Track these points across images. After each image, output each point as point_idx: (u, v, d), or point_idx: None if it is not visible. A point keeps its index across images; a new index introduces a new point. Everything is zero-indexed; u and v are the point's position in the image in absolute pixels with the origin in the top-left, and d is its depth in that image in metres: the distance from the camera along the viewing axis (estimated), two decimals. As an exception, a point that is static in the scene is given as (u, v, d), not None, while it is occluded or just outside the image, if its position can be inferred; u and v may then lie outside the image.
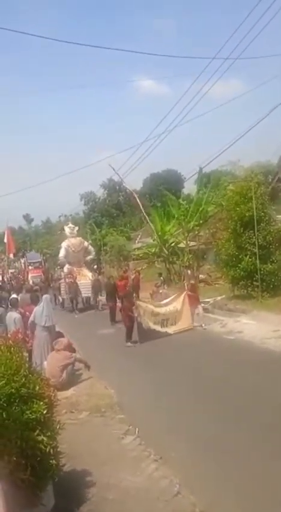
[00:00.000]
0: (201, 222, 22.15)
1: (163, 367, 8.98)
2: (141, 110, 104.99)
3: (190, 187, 35.15)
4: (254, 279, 14.56)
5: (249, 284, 14.94)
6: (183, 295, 12.91)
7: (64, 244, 22.39)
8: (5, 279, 34.76)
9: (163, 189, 28.15)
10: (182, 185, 44.46)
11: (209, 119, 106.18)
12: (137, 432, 5.57)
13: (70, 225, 24.16)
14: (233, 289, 15.94)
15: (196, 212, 21.94)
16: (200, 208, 21.84)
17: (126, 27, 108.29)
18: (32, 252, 46.28)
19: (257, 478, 4.32)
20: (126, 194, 43.53)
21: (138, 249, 31.31)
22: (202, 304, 13.59)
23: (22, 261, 42.51)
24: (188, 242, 22.74)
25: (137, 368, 9.34)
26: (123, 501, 4.01)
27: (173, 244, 23.90)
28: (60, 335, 9.31)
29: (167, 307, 12.47)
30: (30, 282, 26.13)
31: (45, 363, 8.21)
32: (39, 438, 3.38)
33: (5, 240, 38.84)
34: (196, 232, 22.65)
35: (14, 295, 12.70)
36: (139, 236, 36.22)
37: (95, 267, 25.89)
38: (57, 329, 9.69)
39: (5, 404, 3.24)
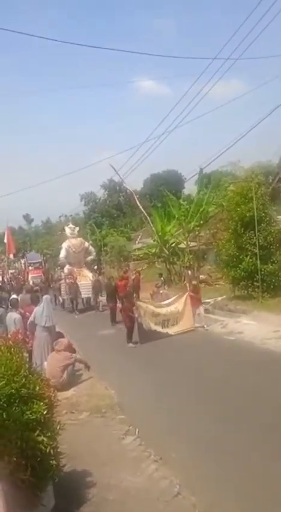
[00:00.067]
0: (201, 222, 22.16)
1: (163, 368, 8.98)
2: (141, 110, 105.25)
3: (190, 188, 35.29)
4: (255, 279, 14.56)
5: (250, 285, 14.94)
6: (185, 296, 12.86)
7: (65, 245, 22.38)
8: (5, 280, 34.78)
9: (164, 190, 28.11)
10: (183, 186, 44.60)
11: (210, 119, 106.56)
12: (137, 433, 5.57)
13: (71, 225, 24.14)
14: (234, 289, 15.94)
15: (196, 213, 21.94)
16: (201, 209, 21.85)
17: (126, 27, 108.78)
18: (32, 252, 46.26)
19: (257, 479, 4.32)
20: (126, 195, 43.52)
21: (138, 249, 31.32)
22: (203, 305, 13.59)
23: (22, 261, 42.50)
24: (189, 242, 22.75)
25: (138, 369, 9.33)
26: (123, 502, 4.01)
27: (173, 245, 23.89)
28: (60, 335, 9.30)
29: (168, 308, 12.45)
30: (31, 283, 26.14)
31: (45, 363, 8.21)
32: (40, 439, 3.38)
33: (5, 240, 38.84)
34: (197, 232, 22.65)
35: (14, 296, 12.69)
36: (139, 237, 36.25)
37: (96, 267, 25.88)
38: (57, 329, 9.69)
39: (5, 405, 3.24)
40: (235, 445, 5.11)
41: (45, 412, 3.49)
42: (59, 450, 3.65)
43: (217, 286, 18.99)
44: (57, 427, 3.74)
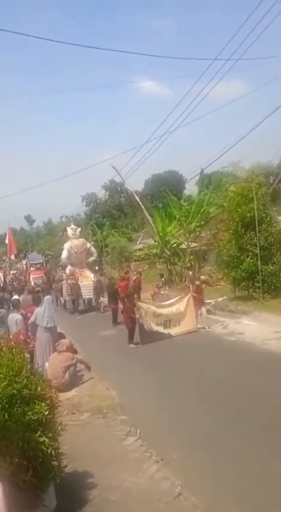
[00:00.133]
0: (202, 223, 22.16)
1: (164, 369, 8.99)
2: (142, 111, 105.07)
3: (191, 189, 35.26)
4: (256, 280, 14.56)
5: (250, 285, 14.94)
6: (188, 296, 12.83)
7: (67, 246, 22.38)
8: (7, 280, 34.80)
9: (164, 190, 28.08)
10: (184, 186, 44.57)
11: (211, 120, 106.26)
12: (138, 433, 5.58)
13: (72, 226, 24.13)
14: (235, 290, 15.94)
15: (197, 213, 21.95)
16: (202, 210, 21.85)
17: (126, 27, 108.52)
18: (33, 253, 46.27)
19: (258, 479, 4.33)
20: (127, 195, 43.50)
21: (139, 250, 31.32)
22: (206, 306, 13.58)
23: (24, 262, 42.49)
24: (190, 243, 22.76)
25: (139, 369, 9.34)
26: (125, 502, 4.02)
27: (174, 245, 23.90)
28: (62, 336, 9.30)
29: (170, 308, 12.42)
30: (32, 283, 26.16)
31: (47, 364, 8.21)
32: (41, 439, 3.39)
33: (7, 241, 38.82)
34: (198, 233, 22.67)
35: (15, 297, 12.73)
36: (140, 237, 36.27)
37: (97, 268, 25.89)
38: (58, 330, 9.69)
39: (6, 406, 3.25)
40: (236, 445, 5.12)
41: (46, 413, 3.50)
42: (60, 451, 3.66)
43: (217, 286, 19.00)
44: (59, 428, 3.75)
